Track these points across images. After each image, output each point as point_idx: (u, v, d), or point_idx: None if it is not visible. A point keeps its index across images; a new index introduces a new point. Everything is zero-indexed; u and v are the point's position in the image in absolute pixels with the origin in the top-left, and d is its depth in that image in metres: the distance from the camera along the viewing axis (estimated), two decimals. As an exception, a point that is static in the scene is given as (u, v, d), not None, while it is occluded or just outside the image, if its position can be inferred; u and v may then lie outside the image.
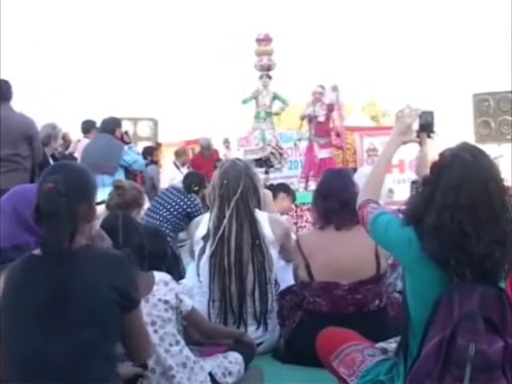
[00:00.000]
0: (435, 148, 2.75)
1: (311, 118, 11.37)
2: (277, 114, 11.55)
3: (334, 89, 11.45)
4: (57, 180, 2.13)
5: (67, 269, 2.08)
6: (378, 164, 2.86)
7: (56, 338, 2.04)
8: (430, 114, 2.82)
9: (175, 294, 3.11)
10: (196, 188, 6.57)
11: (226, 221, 3.97)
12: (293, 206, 9.35)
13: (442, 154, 2.40)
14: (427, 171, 2.54)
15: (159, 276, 3.12)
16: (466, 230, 2.22)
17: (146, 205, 5.86)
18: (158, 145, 12.58)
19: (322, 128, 11.32)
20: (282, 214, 6.18)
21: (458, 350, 2.14)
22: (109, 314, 2.13)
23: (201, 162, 11.91)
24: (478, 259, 2.22)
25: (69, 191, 2.13)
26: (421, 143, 2.80)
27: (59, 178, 2.14)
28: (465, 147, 2.37)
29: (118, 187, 4.64)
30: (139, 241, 3.11)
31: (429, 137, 2.79)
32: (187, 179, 6.79)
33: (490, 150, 10.27)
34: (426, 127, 2.80)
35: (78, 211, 2.18)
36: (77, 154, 8.32)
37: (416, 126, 2.81)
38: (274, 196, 5.97)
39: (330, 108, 11.28)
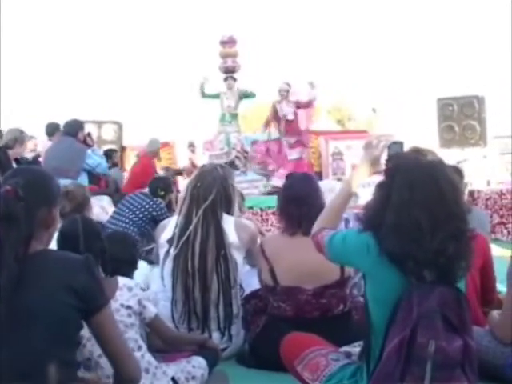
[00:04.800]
0: None
1: (279, 118, 11.31)
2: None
3: (313, 85, 11.29)
4: (16, 183, 2.07)
5: (21, 274, 2.01)
6: (339, 195, 2.86)
7: (11, 345, 1.97)
8: (400, 144, 2.82)
9: (138, 300, 3.07)
10: (162, 193, 6.60)
11: (191, 226, 3.94)
12: (258, 210, 9.38)
13: (394, 158, 2.51)
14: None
15: (123, 281, 3.09)
16: (421, 225, 2.27)
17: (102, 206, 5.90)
18: (123, 148, 12.48)
19: (291, 127, 11.27)
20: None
21: (418, 347, 2.18)
22: (66, 318, 2.06)
23: None
24: (432, 255, 2.28)
25: (28, 195, 2.07)
26: None
27: (19, 181, 2.09)
28: (415, 149, 2.48)
29: (66, 193, 4.52)
30: (101, 244, 3.06)
31: None
32: (153, 184, 6.83)
33: (454, 154, 10.40)
34: None
35: (37, 216, 2.12)
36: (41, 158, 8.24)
37: (385, 156, 2.80)
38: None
39: (298, 105, 11.24)
